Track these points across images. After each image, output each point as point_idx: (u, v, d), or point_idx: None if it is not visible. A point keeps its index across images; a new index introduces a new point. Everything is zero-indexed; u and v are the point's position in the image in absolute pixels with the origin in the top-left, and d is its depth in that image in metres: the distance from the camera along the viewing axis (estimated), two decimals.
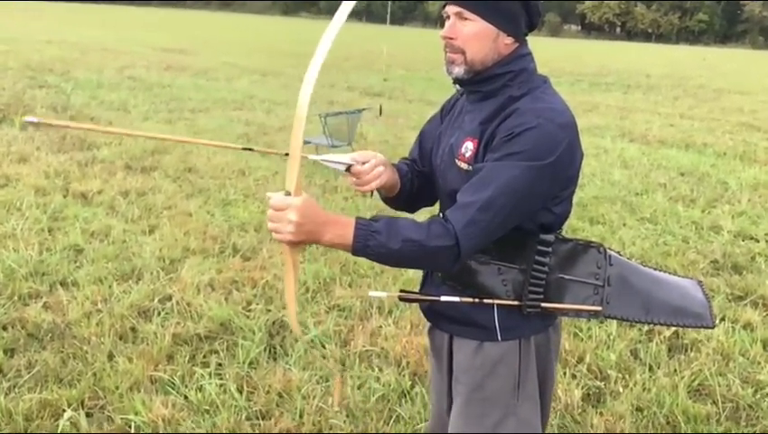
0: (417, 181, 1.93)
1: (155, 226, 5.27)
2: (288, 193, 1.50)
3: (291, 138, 1.53)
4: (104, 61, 17.32)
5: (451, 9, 1.68)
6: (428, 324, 1.96)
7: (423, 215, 1.71)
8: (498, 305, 1.72)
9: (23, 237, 4.79)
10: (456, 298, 1.75)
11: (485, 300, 1.72)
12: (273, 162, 7.43)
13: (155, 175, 6.74)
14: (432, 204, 2.01)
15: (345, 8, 1.58)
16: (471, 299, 1.74)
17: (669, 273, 1.98)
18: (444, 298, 1.77)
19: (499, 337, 1.74)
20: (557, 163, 1.59)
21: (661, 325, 1.83)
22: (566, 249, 1.74)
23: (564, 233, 1.81)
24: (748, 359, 3.68)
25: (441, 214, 1.61)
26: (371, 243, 1.51)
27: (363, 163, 1.76)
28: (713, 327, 1.85)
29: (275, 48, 26.85)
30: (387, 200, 1.94)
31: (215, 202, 5.98)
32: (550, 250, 1.70)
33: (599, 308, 1.73)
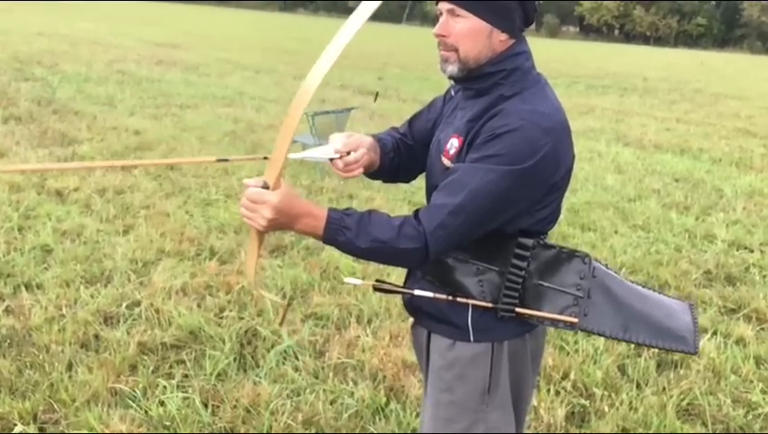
0: (399, 159, 1.89)
1: (131, 226, 5.09)
2: (266, 186, 1.49)
3: (280, 133, 1.53)
4: (94, 54, 17.09)
5: (443, 6, 1.61)
6: (412, 319, 1.91)
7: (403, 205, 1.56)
8: (472, 305, 1.68)
9: None
10: (430, 294, 1.72)
11: (459, 299, 1.68)
12: (258, 161, 7.24)
13: (136, 173, 6.55)
14: (408, 181, 2.00)
15: (366, 8, 1.54)
16: (444, 296, 1.70)
17: (660, 292, 1.87)
18: (417, 292, 1.74)
19: (471, 338, 1.70)
20: (538, 167, 1.52)
21: (639, 344, 1.73)
22: (548, 255, 1.67)
23: (554, 240, 1.72)
24: (740, 377, 3.53)
25: (415, 214, 1.57)
26: (341, 238, 1.53)
27: (349, 152, 1.73)
28: (695, 353, 1.74)
29: (270, 44, 26.65)
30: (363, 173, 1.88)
31: (195, 201, 5.81)
32: (528, 254, 1.64)
33: (575, 320, 1.65)
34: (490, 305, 1.67)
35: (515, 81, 1.61)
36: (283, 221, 1.50)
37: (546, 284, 1.66)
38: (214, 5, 76.27)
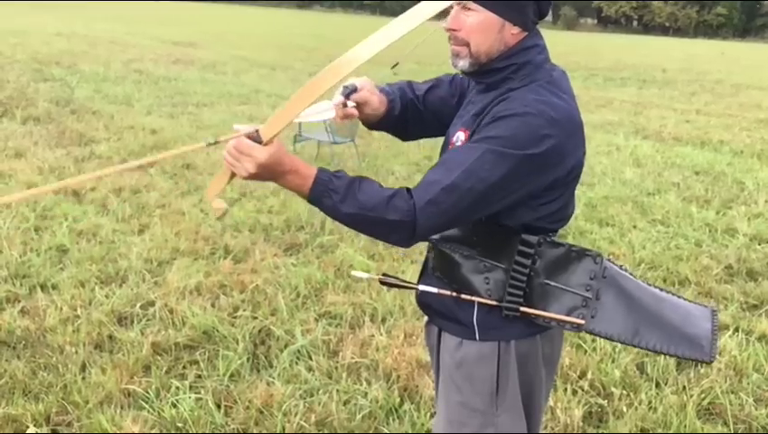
0: (403, 122, 1.84)
1: (146, 226, 5.10)
2: (258, 138, 1.43)
3: (299, 93, 1.46)
4: (112, 54, 17.20)
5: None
6: (426, 317, 1.88)
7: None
8: (478, 303, 1.64)
9: (7, 236, 4.64)
10: (434, 289, 1.69)
11: (463, 296, 1.65)
12: None
13: (152, 172, 6.57)
14: (405, 140, 1.97)
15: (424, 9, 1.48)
16: (448, 292, 1.67)
17: (680, 296, 1.79)
18: (421, 287, 1.73)
19: (477, 337, 1.66)
20: (539, 158, 1.47)
21: (649, 350, 1.65)
22: (556, 254, 1.61)
23: (571, 235, 1.66)
24: (763, 375, 3.45)
25: (407, 189, 1.52)
26: (326, 201, 1.48)
27: (345, 104, 1.71)
28: (710, 362, 1.66)
29: (286, 41, 26.66)
30: (362, 120, 1.85)
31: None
32: (532, 251, 1.59)
33: (581, 322, 1.60)
34: (494, 303, 1.63)
35: (525, 75, 1.57)
36: (266, 177, 1.47)
37: (553, 283, 1.62)
38: (230, 3, 76.54)
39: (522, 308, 1.62)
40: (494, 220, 1.59)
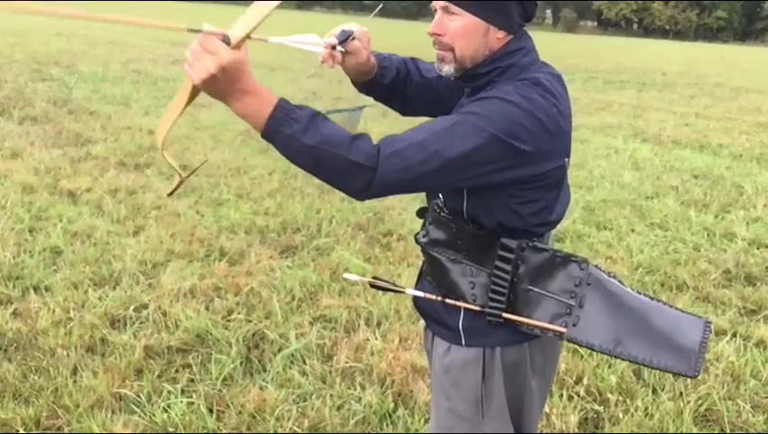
0: (390, 91, 1.80)
1: (142, 227, 5.07)
2: (227, 40, 1.34)
3: None
4: (111, 54, 17.18)
5: (437, 3, 1.55)
6: (424, 322, 1.87)
7: None
8: (463, 307, 1.63)
9: (1, 237, 4.61)
10: (420, 293, 1.69)
11: (448, 301, 1.64)
12: (271, 159, 7.20)
13: (149, 173, 6.54)
14: (404, 114, 1.91)
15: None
16: (434, 297, 1.66)
17: (672, 305, 1.72)
18: (408, 291, 1.72)
19: (463, 342, 1.65)
20: (510, 146, 1.44)
21: (630, 361, 1.60)
22: (540, 259, 1.58)
23: (568, 239, 1.64)
24: (760, 381, 3.42)
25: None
26: (285, 130, 1.38)
27: (334, 47, 1.64)
28: (693, 377, 1.59)
29: None
30: (354, 83, 1.80)
31: (206, 201, 5.77)
32: (513, 256, 1.57)
33: (563, 330, 1.56)
34: (477, 308, 1.61)
35: (509, 78, 1.55)
36: (222, 87, 1.35)
37: (536, 289, 1.59)
38: (229, 4, 76.48)
39: (505, 314, 1.59)
40: (474, 219, 1.59)
